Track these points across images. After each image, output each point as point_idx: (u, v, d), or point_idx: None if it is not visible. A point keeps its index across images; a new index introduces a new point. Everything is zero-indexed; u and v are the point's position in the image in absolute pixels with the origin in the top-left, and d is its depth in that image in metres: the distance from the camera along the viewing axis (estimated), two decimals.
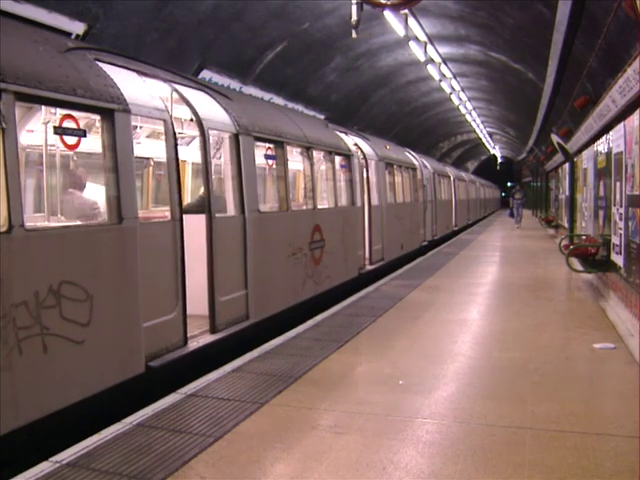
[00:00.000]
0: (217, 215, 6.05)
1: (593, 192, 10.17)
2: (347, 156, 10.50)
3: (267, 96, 12.91)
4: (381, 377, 5.10)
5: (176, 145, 5.66)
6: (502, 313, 7.82)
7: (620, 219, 7.24)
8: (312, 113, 14.73)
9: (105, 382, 4.51)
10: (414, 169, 16.15)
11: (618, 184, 7.33)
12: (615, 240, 7.75)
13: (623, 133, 7.01)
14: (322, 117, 14.69)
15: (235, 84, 11.67)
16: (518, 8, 10.09)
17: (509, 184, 55.45)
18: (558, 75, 9.89)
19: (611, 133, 8.04)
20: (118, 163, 4.75)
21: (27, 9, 6.70)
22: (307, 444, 3.75)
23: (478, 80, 18.90)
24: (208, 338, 5.87)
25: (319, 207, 9.10)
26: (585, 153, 11.70)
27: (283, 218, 7.87)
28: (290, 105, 13.71)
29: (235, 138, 6.68)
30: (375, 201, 12.05)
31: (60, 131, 4.61)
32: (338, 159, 10.17)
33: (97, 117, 4.91)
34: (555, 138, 15.13)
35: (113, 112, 4.72)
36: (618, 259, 7.53)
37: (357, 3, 7.60)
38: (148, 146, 7.63)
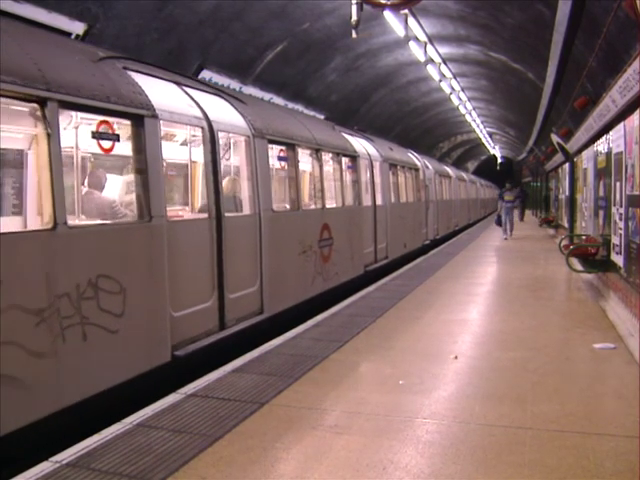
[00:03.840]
0: (227, 214, 6.23)
1: (593, 192, 10.16)
2: (353, 157, 10.69)
3: (267, 96, 12.91)
4: (381, 377, 5.11)
5: (214, 150, 6.01)
6: (502, 313, 7.81)
7: (620, 219, 7.24)
8: (312, 113, 14.72)
9: (134, 370, 4.76)
10: (416, 170, 16.26)
11: (618, 184, 7.33)
12: (615, 240, 7.74)
13: (623, 133, 7.01)
14: (322, 117, 14.69)
15: (235, 84, 11.68)
16: (518, 8, 10.08)
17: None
18: (558, 75, 9.88)
19: (611, 133, 8.04)
20: (148, 165, 5.00)
21: (27, 9, 6.71)
22: (307, 444, 3.75)
23: (478, 80, 18.91)
24: (216, 336, 5.99)
25: (327, 207, 9.27)
26: (585, 153, 11.70)
27: (294, 217, 8.08)
28: (290, 105, 13.70)
29: (250, 141, 6.86)
30: (379, 201, 12.24)
31: (97, 136, 4.88)
32: (345, 160, 10.36)
33: (128, 122, 5.11)
34: (555, 138, 15.12)
35: (143, 118, 4.99)
36: (618, 259, 7.52)
37: (357, 3, 7.59)
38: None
